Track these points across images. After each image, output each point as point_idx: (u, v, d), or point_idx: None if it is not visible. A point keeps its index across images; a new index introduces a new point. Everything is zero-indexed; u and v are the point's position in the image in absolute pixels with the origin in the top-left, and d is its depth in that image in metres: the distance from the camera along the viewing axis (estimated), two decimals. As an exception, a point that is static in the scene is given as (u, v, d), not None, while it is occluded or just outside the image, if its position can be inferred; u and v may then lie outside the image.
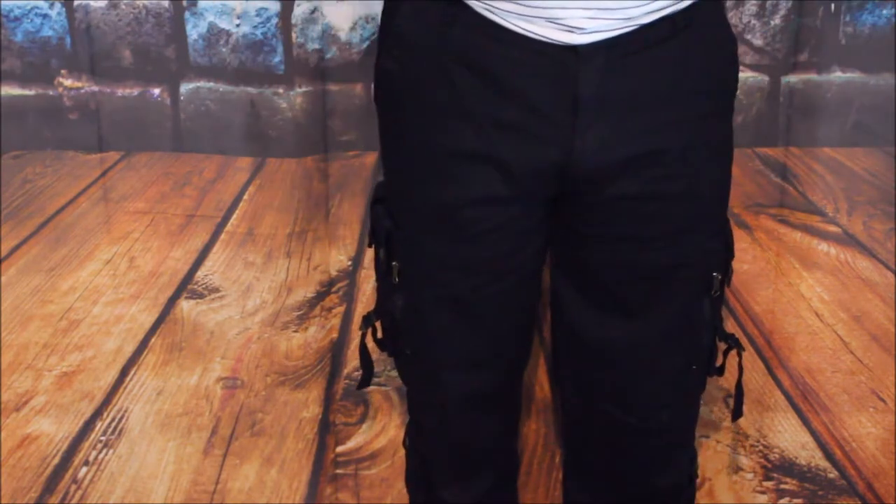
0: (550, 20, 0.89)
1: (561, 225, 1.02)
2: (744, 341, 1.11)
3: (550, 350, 1.14)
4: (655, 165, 0.95)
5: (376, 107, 1.03)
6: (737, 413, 1.17)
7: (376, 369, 1.22)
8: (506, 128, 0.93)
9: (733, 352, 1.11)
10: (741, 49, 2.17)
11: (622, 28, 0.90)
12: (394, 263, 1.04)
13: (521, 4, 0.89)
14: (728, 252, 1.05)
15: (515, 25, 0.90)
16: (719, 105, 1.00)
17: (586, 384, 1.10)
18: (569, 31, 0.89)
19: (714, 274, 1.03)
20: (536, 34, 0.90)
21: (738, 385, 1.14)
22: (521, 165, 0.95)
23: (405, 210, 1.03)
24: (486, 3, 0.91)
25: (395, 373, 1.73)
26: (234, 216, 2.53)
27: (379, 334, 1.13)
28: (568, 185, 0.96)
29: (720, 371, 1.11)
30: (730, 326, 1.97)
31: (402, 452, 1.32)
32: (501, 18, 0.90)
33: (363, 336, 1.14)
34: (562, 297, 1.07)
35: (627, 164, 0.94)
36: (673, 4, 0.91)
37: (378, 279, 1.09)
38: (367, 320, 1.13)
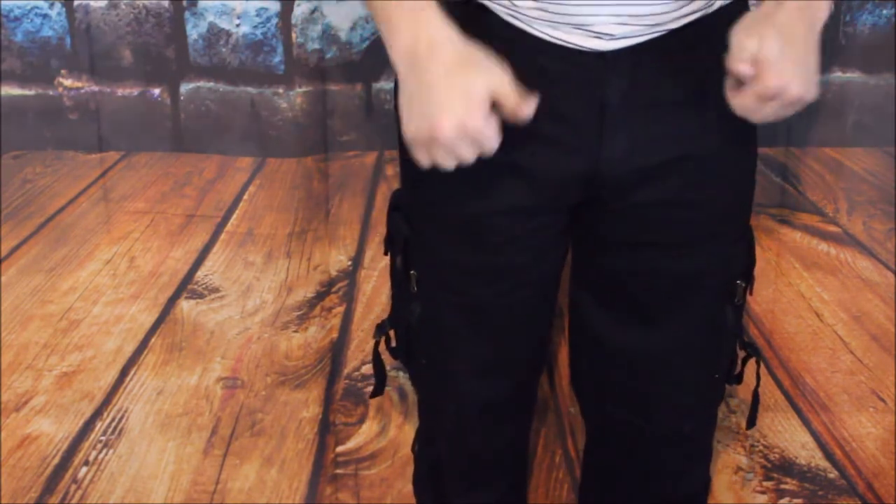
0: (578, 26, 0.87)
1: (583, 231, 1.01)
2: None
3: (569, 355, 1.13)
4: (680, 172, 0.93)
5: (397, 114, 0.98)
6: (751, 422, 1.15)
7: (377, 370, 1.22)
8: (531, 136, 0.90)
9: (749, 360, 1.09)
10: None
11: (651, 34, 0.88)
12: (412, 272, 1.03)
13: (547, 11, 0.87)
14: (750, 258, 1.03)
15: (542, 32, 0.88)
16: None
17: (605, 391, 1.09)
18: (597, 37, 0.87)
19: (738, 282, 1.01)
20: (563, 41, 0.88)
21: (755, 394, 1.12)
22: (546, 175, 0.93)
23: (425, 218, 1.01)
24: (511, 10, 0.89)
25: (394, 373, 1.73)
26: (234, 216, 2.53)
27: (393, 343, 1.11)
28: (592, 193, 0.95)
29: (738, 379, 1.09)
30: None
31: (402, 452, 1.32)
32: (527, 25, 0.89)
33: (376, 344, 1.12)
34: (581, 304, 1.06)
35: (653, 172, 0.93)
36: (703, 9, 0.89)
37: (394, 287, 1.08)
38: (381, 328, 1.11)
